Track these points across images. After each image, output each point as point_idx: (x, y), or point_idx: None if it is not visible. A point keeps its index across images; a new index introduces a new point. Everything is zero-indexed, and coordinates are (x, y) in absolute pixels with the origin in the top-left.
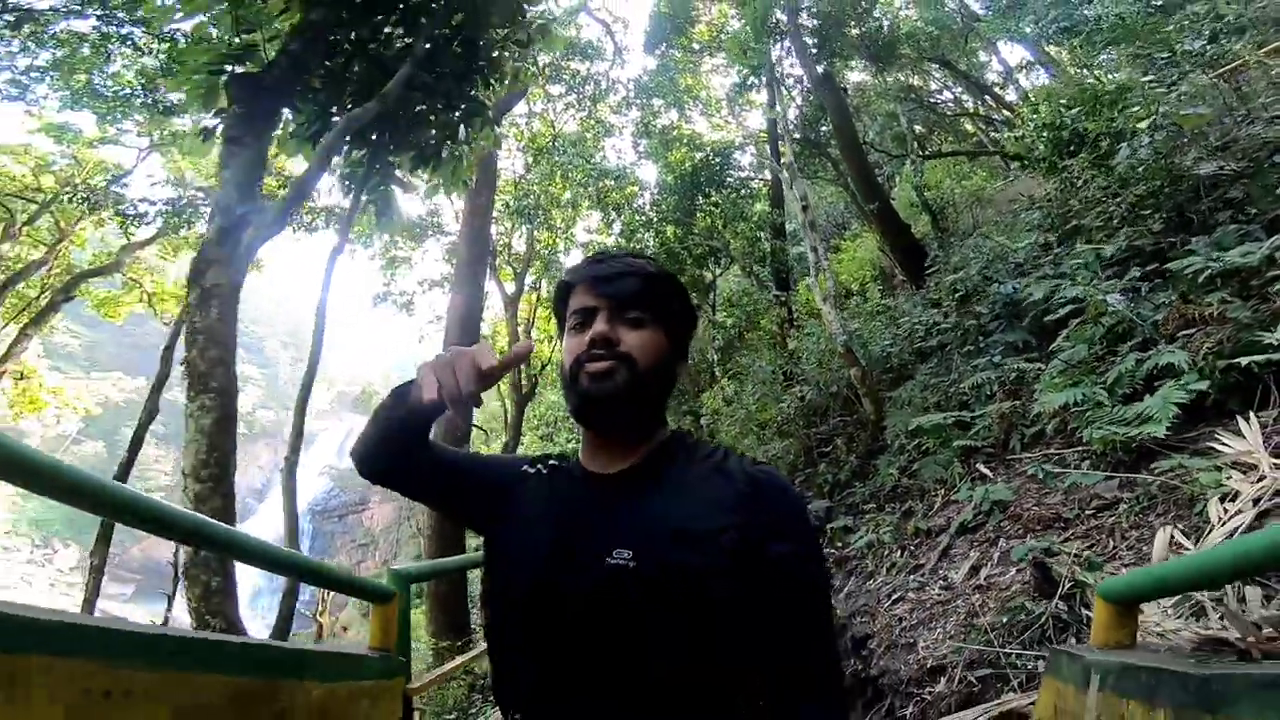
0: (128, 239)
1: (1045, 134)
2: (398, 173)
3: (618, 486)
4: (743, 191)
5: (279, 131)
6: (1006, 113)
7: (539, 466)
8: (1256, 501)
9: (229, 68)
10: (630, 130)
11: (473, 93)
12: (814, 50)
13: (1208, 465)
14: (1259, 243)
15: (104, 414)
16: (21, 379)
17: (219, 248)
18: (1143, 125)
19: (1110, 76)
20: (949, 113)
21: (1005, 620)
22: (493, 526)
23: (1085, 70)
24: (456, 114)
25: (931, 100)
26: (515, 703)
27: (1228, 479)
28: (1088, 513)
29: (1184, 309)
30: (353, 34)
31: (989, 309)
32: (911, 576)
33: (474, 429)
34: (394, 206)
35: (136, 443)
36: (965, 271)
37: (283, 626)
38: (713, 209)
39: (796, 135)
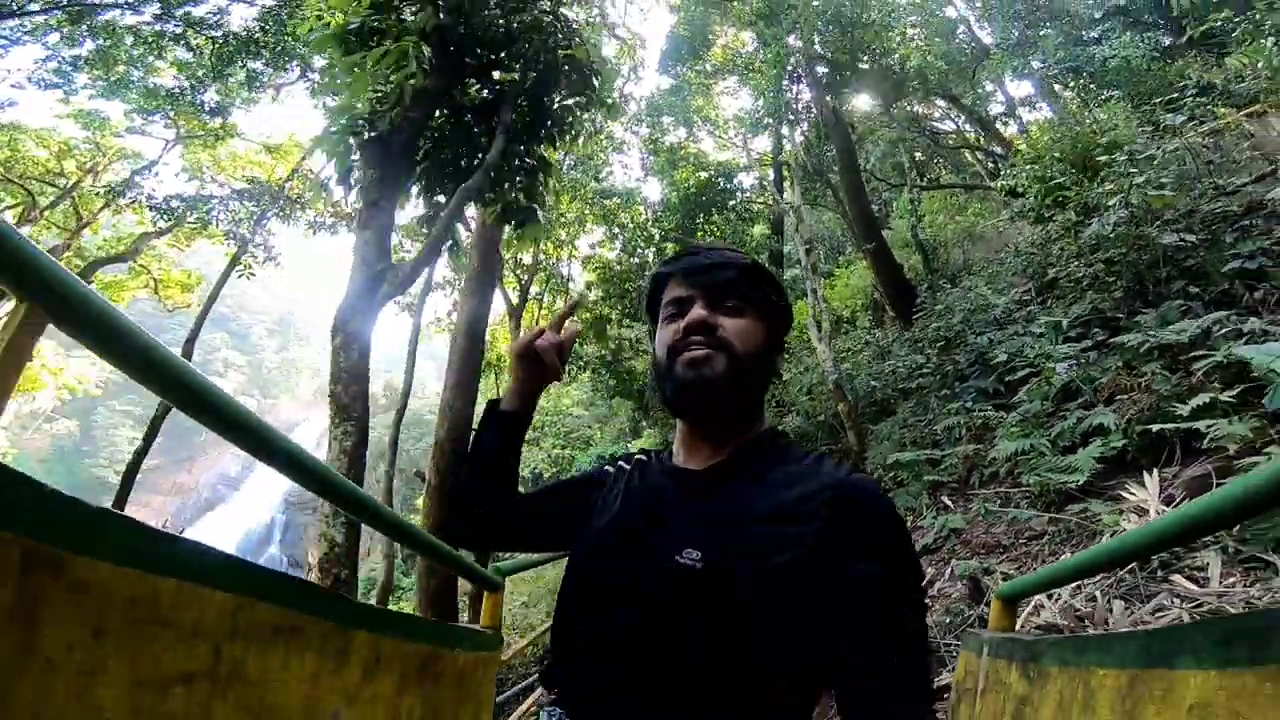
0: (153, 227)
1: (1036, 185)
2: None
3: (702, 483)
4: (744, 214)
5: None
6: (1004, 149)
7: (620, 463)
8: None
9: (361, 131)
10: (638, 146)
11: (540, 150)
12: (825, 84)
13: (1111, 509)
14: (1196, 319)
15: (78, 393)
16: (30, 360)
17: (360, 300)
18: (1113, 203)
19: (1109, 118)
20: (950, 144)
21: (947, 620)
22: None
23: (1086, 109)
24: (526, 174)
25: (933, 129)
26: (559, 685)
27: (1125, 521)
28: (1021, 541)
29: (1119, 378)
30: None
31: (966, 357)
32: None
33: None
34: (459, 243)
35: (153, 431)
36: (948, 320)
37: None
38: (714, 230)
39: (800, 161)
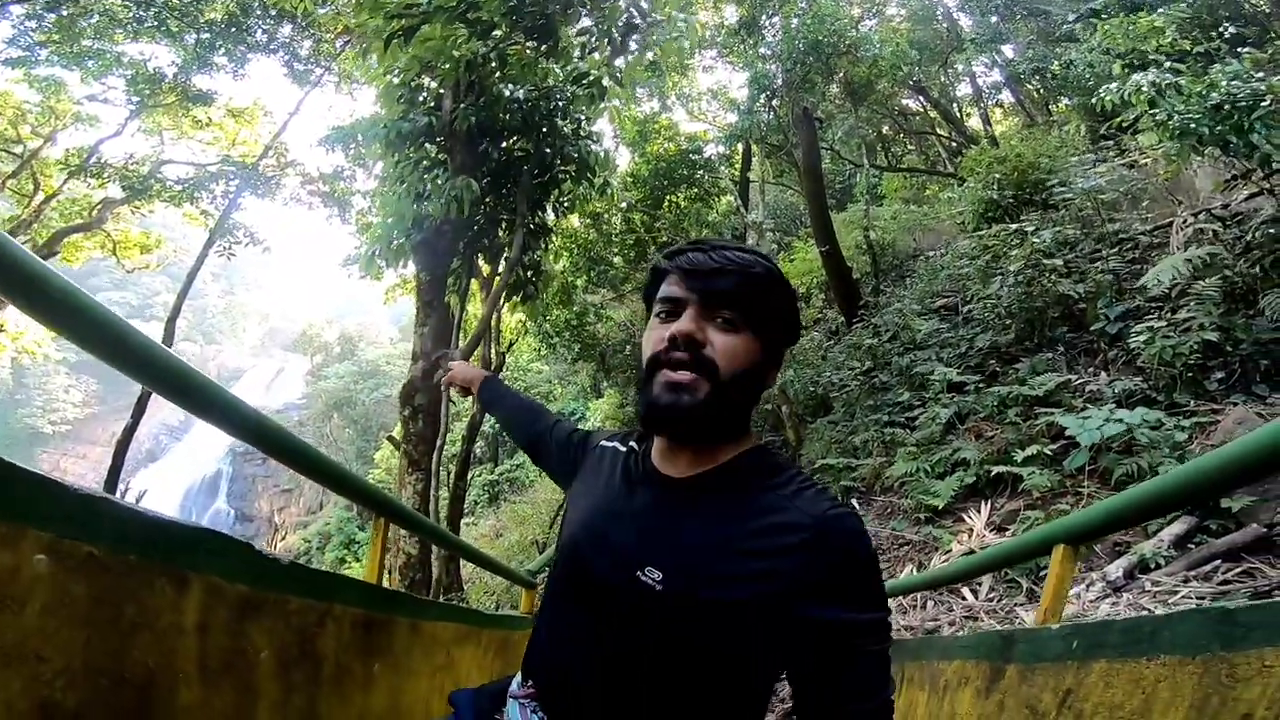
0: (118, 195)
1: (975, 205)
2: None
3: (679, 495)
4: (710, 190)
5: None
6: (964, 139)
7: (615, 443)
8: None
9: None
10: (609, 117)
11: (543, 216)
12: (796, 89)
13: (953, 529)
14: (1054, 374)
15: (36, 357)
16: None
17: (423, 382)
18: (1014, 268)
19: (1058, 133)
20: (914, 128)
21: None
22: (567, 492)
23: (1043, 112)
24: (532, 246)
25: (900, 109)
26: (528, 665)
27: (958, 541)
28: (895, 548)
29: (980, 426)
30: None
31: (887, 375)
32: None
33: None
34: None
35: (140, 409)
36: (880, 338)
37: None
38: (678, 205)
39: (768, 140)
